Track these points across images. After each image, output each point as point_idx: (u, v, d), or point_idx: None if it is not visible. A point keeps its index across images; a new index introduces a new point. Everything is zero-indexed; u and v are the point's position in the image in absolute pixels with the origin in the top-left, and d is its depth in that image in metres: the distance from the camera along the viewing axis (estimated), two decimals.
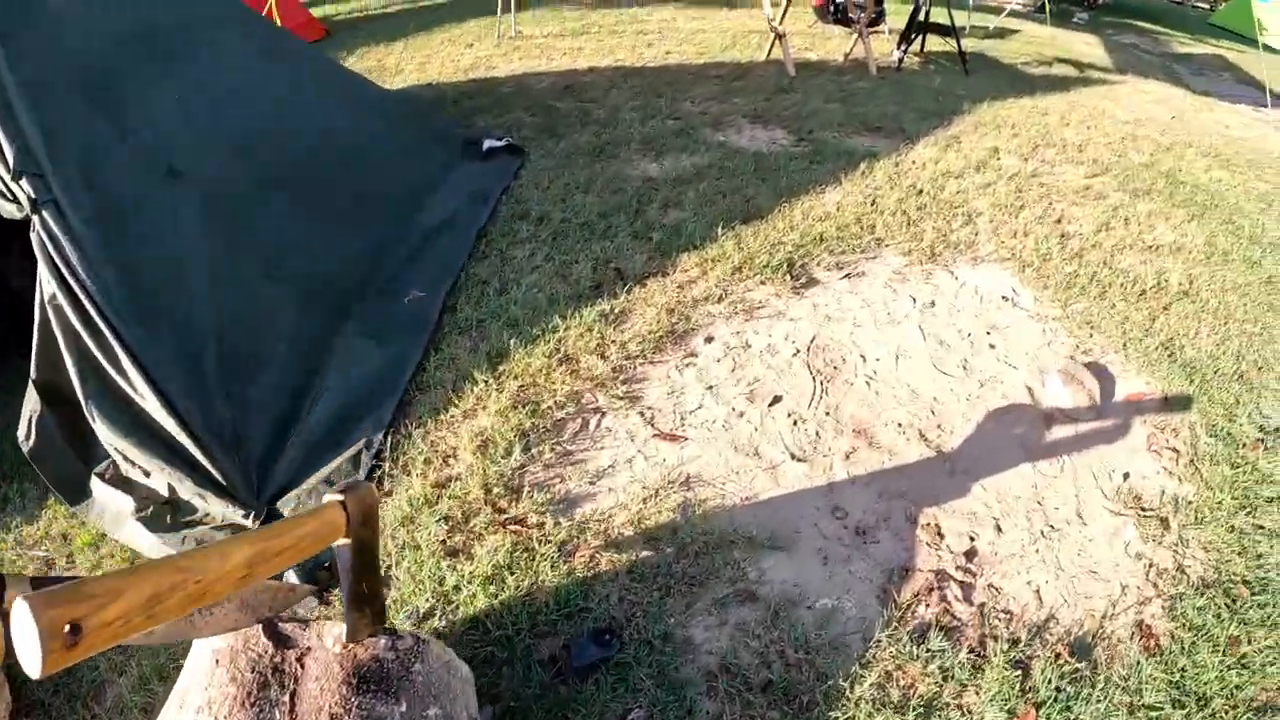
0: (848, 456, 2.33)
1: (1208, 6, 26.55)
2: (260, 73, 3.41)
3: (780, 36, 5.71)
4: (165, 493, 2.37)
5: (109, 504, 2.39)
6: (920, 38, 6.55)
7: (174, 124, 2.75)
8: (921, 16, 6.30)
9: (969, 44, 7.66)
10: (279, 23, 7.03)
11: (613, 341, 2.70)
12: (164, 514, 2.37)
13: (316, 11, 10.94)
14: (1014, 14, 11.33)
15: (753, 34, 7.19)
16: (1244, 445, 2.53)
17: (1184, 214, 4.18)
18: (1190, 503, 2.32)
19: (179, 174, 2.66)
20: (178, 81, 2.87)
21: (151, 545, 2.30)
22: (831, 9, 7.18)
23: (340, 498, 1.34)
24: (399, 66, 6.49)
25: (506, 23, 7.37)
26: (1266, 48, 15.16)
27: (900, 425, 2.44)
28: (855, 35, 6.15)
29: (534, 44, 6.87)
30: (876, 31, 7.58)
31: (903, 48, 6.24)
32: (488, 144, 4.25)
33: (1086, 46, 9.56)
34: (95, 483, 2.41)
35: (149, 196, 2.52)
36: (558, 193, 3.76)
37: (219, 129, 2.93)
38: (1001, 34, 8.69)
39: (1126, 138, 5.44)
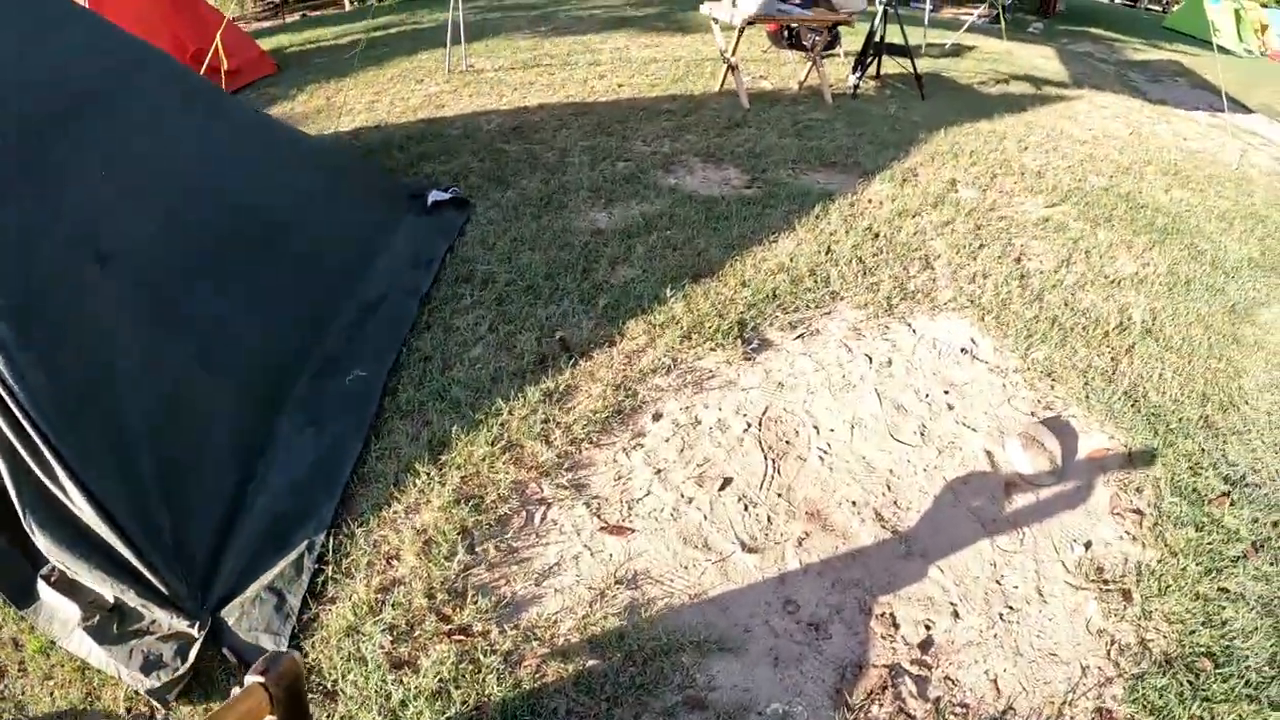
0: (800, 543, 2.26)
1: (1160, 9, 27.05)
2: (190, 134, 3.30)
3: (733, 68, 5.67)
4: (111, 599, 2.28)
5: (57, 610, 2.29)
6: (875, 62, 6.54)
7: (100, 198, 2.63)
8: (876, 39, 6.28)
9: (924, 65, 7.68)
10: (225, 63, 6.86)
11: (558, 424, 2.63)
12: (110, 623, 2.27)
13: (269, 43, 10.80)
14: (971, 28, 11.40)
15: (706, 62, 7.15)
16: (1209, 500, 2.50)
17: (1145, 241, 4.18)
18: (1153, 571, 2.27)
19: (107, 258, 2.56)
20: (102, 146, 2.76)
21: (100, 658, 2.20)
22: (785, 34, 7.19)
23: (260, 679, 1.26)
24: (348, 105, 6.38)
25: (458, 55, 7.29)
26: (1220, 49, 15.49)
27: (855, 504, 2.38)
28: (810, 62, 6.13)
29: (485, 79, 6.78)
30: (831, 54, 7.59)
31: (858, 73, 6.22)
32: (433, 197, 4.16)
33: (1043, 60, 9.62)
34: (42, 586, 2.32)
35: (76, 285, 2.41)
36: (504, 250, 3.68)
37: (147, 200, 2.81)
38: (957, 51, 8.73)
39: (1085, 159, 5.46)
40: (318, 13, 26.70)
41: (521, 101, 6.03)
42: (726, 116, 5.49)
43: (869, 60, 6.35)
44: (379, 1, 11.16)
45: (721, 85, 6.04)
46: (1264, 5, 20.83)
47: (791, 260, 3.57)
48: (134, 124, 3.04)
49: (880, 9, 6.16)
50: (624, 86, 6.28)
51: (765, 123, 5.43)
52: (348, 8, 26.20)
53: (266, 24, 25.15)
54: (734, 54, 5.64)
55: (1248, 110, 9.56)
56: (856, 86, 6.21)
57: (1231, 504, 2.49)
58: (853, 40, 8.35)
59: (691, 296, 3.25)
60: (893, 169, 4.75)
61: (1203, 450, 2.70)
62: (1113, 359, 3.13)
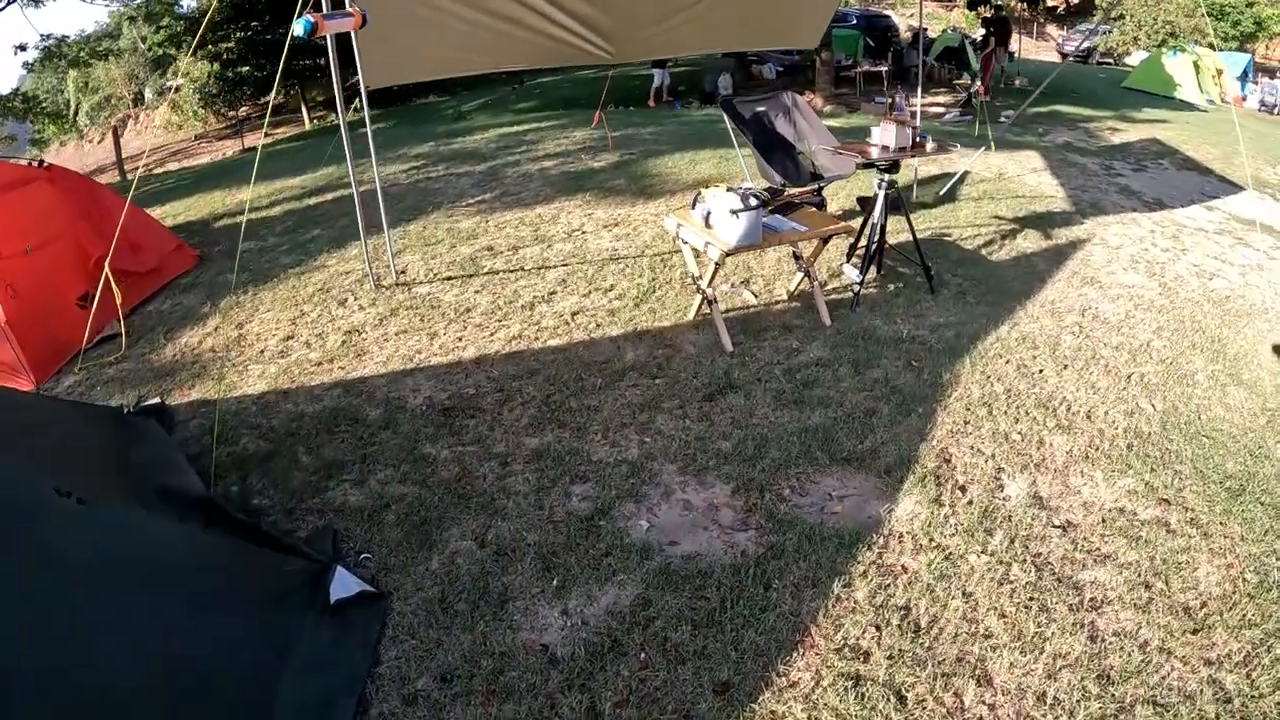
0: None
1: (1112, 62, 27.08)
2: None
3: (710, 301, 4.70)
4: None
5: None
6: (878, 257, 5.61)
7: None
8: (878, 236, 5.34)
9: (922, 223, 6.79)
10: (105, 272, 5.41)
11: None
12: None
13: (204, 205, 9.93)
14: (948, 132, 10.68)
15: (675, 255, 6.22)
16: None
17: (1221, 514, 3.38)
18: None
19: None
20: None
21: None
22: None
23: None
24: (260, 340, 5.42)
25: (384, 255, 6.34)
26: (1182, 102, 15.39)
27: None
28: (801, 273, 5.18)
29: (417, 300, 5.83)
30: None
31: (860, 274, 5.25)
32: (336, 593, 3.13)
33: (1034, 176, 8.87)
34: None
35: None
36: (429, 703, 2.64)
37: None
38: (952, 193, 7.86)
39: (1128, 363, 4.65)
40: (280, 130, 26.25)
41: (456, 347, 5.06)
42: (706, 373, 4.49)
43: (872, 255, 5.41)
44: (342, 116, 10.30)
45: (696, 313, 5.07)
46: (1212, 48, 20.76)
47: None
48: None
49: (881, 194, 5.23)
50: (579, 315, 5.30)
51: (754, 378, 4.43)
52: (307, 126, 25.77)
53: (228, 142, 24.54)
54: (710, 284, 4.68)
55: (1238, 187, 9.30)
56: (858, 294, 5.24)
57: None
58: (838, 195, 7.49)
59: None
60: (920, 458, 3.76)
61: None
62: None
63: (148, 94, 33.24)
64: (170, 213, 9.79)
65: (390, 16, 5.19)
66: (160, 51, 25.94)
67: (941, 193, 7.72)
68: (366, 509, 3.62)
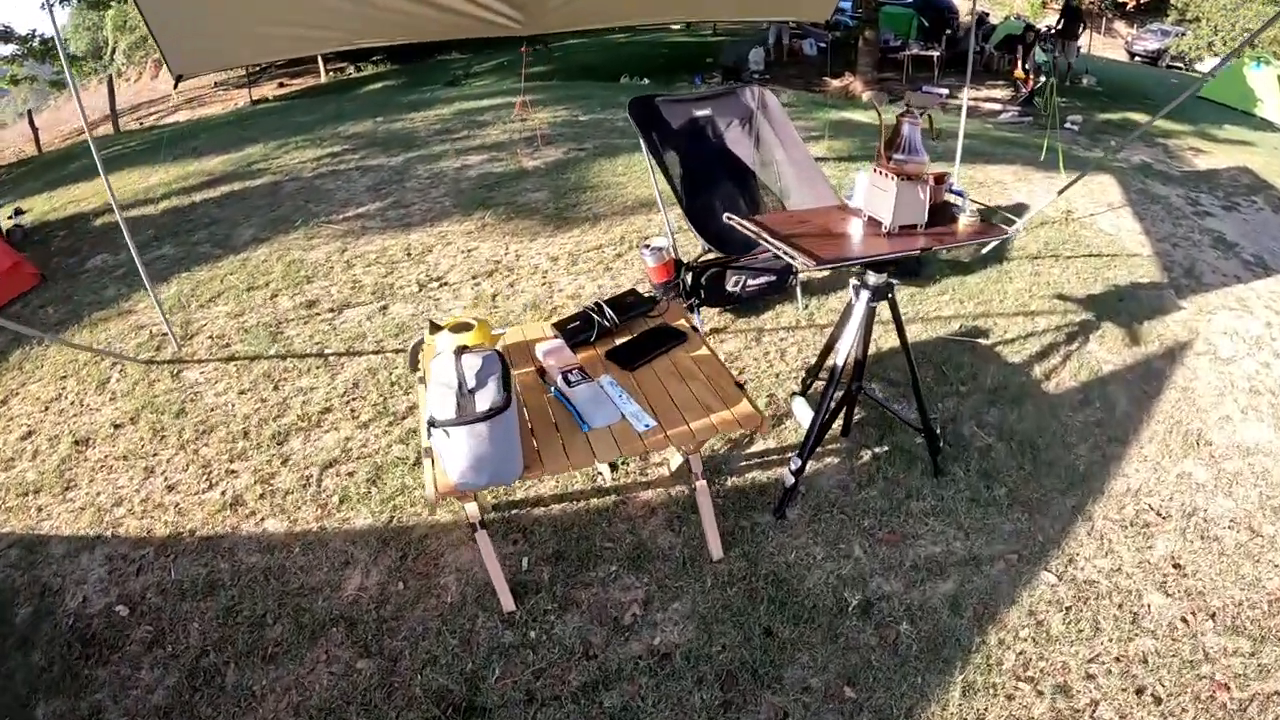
0: None
1: (1183, 67, 24.02)
2: None
3: (476, 527, 2.59)
4: None
5: None
6: (846, 412, 3.47)
7: None
8: (847, 377, 3.14)
9: (950, 305, 4.61)
10: None
11: None
12: None
13: (103, 195, 8.22)
14: (1003, 137, 8.44)
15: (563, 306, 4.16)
16: None
17: None
18: None
19: None
20: None
21: None
22: (689, 287, 4.16)
23: None
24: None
25: (178, 311, 4.42)
26: (1263, 120, 13.17)
27: None
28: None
29: (174, 393, 3.97)
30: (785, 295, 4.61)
31: (801, 453, 3.05)
32: None
33: (1111, 216, 6.64)
34: None
35: None
36: None
37: None
38: (1003, 249, 5.60)
39: (1249, 668, 2.76)
40: (297, 82, 24.85)
41: (159, 506, 3.24)
42: (447, 659, 2.37)
43: (831, 406, 3.16)
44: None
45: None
46: None
47: None
48: None
49: (860, 309, 3.00)
50: (331, 470, 3.30)
51: (523, 695, 2.32)
52: (324, 79, 24.30)
53: (243, 90, 23.12)
54: (476, 498, 2.59)
55: None
56: (792, 489, 3.07)
57: None
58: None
59: None
60: None
61: None
62: None
63: None
64: (78, 197, 8.19)
65: None
66: None
67: (986, 248, 5.49)
68: None
